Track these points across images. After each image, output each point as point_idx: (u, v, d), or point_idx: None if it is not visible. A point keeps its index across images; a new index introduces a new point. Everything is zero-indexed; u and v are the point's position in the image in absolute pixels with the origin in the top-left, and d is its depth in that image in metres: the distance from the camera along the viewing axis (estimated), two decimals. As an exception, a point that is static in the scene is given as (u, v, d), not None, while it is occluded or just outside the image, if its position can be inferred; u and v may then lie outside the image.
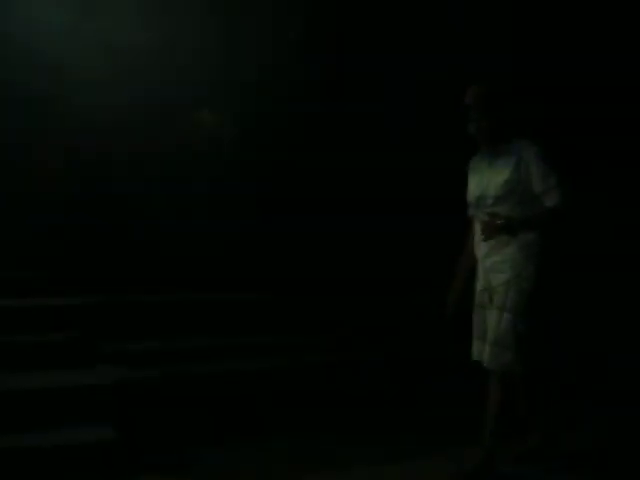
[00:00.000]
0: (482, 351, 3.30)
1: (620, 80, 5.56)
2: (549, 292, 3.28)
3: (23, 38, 4.88)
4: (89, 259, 4.84)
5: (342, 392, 4.27)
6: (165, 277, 4.82)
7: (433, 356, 4.63)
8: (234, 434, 3.73)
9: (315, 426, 3.92)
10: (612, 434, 3.85)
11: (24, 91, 4.88)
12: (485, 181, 3.34)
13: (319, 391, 4.23)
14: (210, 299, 4.78)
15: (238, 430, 3.79)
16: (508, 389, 3.27)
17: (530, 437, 3.49)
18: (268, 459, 3.51)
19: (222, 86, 5.45)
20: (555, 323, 3.52)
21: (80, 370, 3.85)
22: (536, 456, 3.46)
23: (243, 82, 5.45)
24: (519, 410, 3.44)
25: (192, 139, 5.46)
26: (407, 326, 4.85)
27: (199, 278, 4.88)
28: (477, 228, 3.39)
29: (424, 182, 5.41)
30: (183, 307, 4.64)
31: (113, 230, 4.98)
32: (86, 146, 5.02)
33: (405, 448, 3.66)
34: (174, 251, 4.95)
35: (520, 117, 3.40)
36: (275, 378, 4.20)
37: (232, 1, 5.46)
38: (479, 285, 3.39)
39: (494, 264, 3.29)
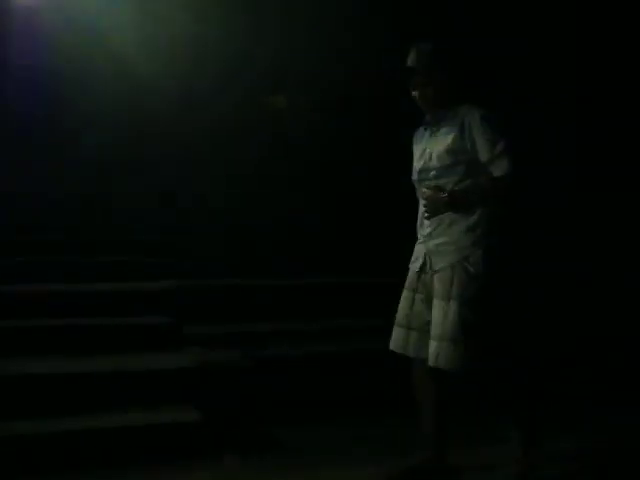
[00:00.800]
0: (407, 342, 3.00)
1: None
2: (505, 278, 2.91)
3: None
4: (177, 245, 5.00)
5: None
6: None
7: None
8: (315, 416, 3.80)
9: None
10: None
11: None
12: (428, 151, 3.00)
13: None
14: (293, 284, 4.89)
15: (320, 411, 3.84)
16: (445, 389, 2.99)
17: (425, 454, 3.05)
18: (349, 440, 3.57)
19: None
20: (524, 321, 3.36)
21: (168, 352, 3.99)
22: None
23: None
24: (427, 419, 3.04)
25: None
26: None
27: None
28: (420, 204, 3.08)
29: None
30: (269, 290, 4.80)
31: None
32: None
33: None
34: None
35: (468, 81, 3.10)
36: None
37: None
38: (414, 267, 3.04)
39: (438, 246, 2.93)
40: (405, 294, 3.08)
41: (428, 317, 2.96)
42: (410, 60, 3.01)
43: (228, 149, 5.17)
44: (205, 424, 3.45)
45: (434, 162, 2.96)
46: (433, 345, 2.87)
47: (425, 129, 3.08)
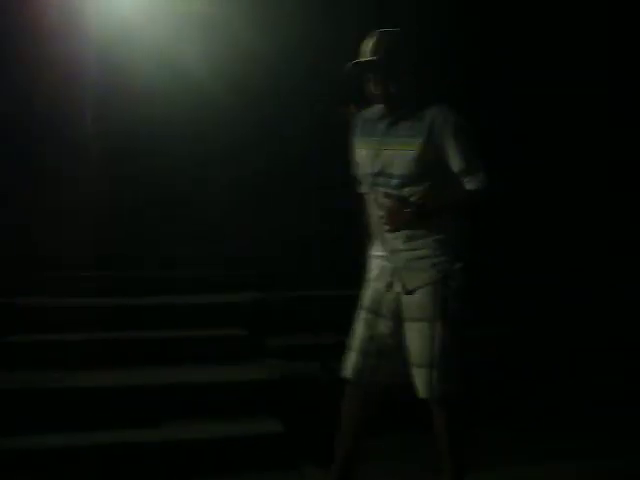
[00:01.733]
0: (363, 368, 2.71)
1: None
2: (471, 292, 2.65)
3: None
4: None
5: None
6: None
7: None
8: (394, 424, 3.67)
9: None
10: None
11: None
12: (387, 153, 2.62)
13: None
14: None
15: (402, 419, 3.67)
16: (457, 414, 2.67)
17: None
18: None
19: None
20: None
21: (247, 364, 4.00)
22: None
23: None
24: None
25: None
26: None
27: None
28: (374, 213, 2.72)
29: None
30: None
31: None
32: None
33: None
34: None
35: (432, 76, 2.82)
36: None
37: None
38: (377, 285, 2.72)
39: (410, 262, 2.62)
40: (364, 316, 2.75)
41: (389, 340, 2.71)
42: (370, 50, 2.62)
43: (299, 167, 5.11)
44: (286, 436, 3.43)
45: (397, 169, 2.60)
46: (422, 375, 2.60)
47: (377, 120, 2.71)
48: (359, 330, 2.76)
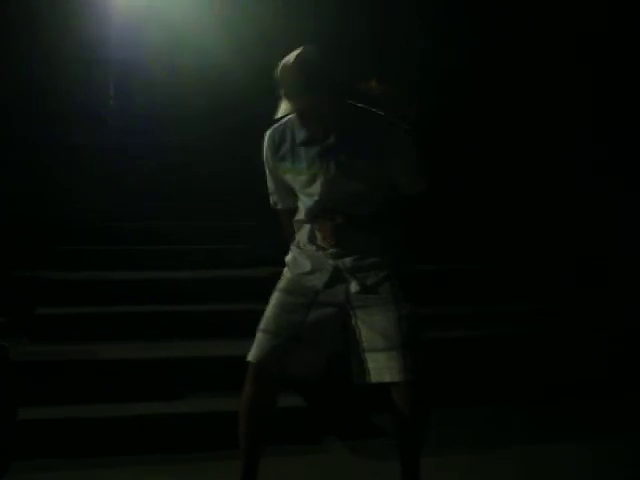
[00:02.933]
0: (280, 352, 2.50)
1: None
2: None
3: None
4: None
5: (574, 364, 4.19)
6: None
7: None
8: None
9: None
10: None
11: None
12: (324, 179, 2.46)
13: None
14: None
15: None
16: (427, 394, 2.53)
17: None
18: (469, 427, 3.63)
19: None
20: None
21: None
22: None
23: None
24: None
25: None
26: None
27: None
28: (304, 225, 2.58)
29: None
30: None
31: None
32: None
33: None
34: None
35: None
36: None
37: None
38: (314, 280, 2.54)
39: (358, 262, 2.52)
40: (294, 300, 2.57)
41: (326, 331, 2.56)
42: (292, 74, 2.36)
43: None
44: (308, 410, 3.51)
45: (339, 194, 2.47)
46: (395, 358, 2.47)
47: (306, 143, 2.49)
48: (276, 313, 2.58)
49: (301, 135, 2.50)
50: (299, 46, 2.39)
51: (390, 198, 2.54)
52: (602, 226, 5.03)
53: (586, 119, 5.35)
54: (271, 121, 2.51)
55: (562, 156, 5.34)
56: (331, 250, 2.54)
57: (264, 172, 2.64)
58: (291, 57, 2.39)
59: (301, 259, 2.60)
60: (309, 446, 3.39)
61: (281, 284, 2.63)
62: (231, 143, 5.09)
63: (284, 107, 2.42)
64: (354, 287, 2.52)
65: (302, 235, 2.61)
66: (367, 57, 4.84)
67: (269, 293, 2.64)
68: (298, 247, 2.63)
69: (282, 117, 2.44)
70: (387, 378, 2.48)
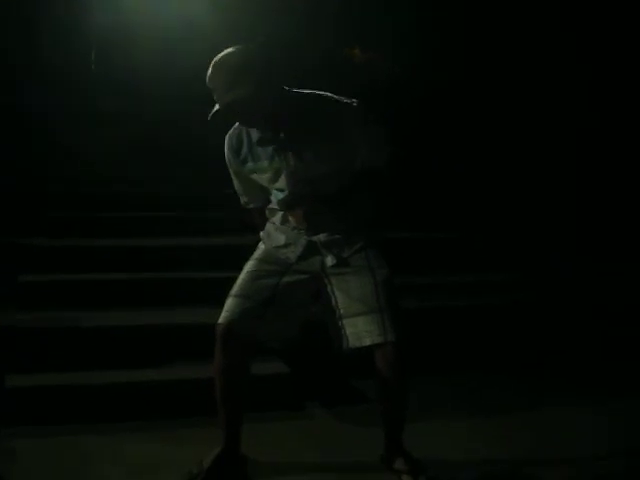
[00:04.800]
0: (252, 316, 2.57)
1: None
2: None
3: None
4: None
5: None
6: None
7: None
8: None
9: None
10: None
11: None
12: (288, 173, 2.52)
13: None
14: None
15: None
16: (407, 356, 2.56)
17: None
18: (449, 396, 3.64)
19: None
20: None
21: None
22: None
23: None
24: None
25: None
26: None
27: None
28: (275, 214, 2.66)
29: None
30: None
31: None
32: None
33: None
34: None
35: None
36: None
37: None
38: (287, 253, 2.62)
39: (329, 236, 2.58)
40: (268, 268, 2.64)
41: (298, 296, 2.65)
42: (216, 73, 2.38)
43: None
44: (291, 376, 3.55)
45: (305, 182, 2.53)
46: (373, 321, 2.53)
47: (261, 141, 2.54)
48: (248, 279, 2.65)
49: (254, 135, 2.55)
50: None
51: (357, 174, 2.58)
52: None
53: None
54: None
55: (541, 122, 5.34)
56: (301, 226, 2.61)
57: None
58: (215, 59, 2.42)
59: (276, 234, 2.68)
60: (292, 412, 3.43)
61: (255, 254, 2.72)
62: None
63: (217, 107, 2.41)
64: (330, 261, 2.60)
65: (276, 218, 2.68)
66: (350, 25, 4.82)
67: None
68: (273, 224, 2.70)
69: (217, 116, 2.42)
70: (367, 341, 2.54)
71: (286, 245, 2.65)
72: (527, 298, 4.48)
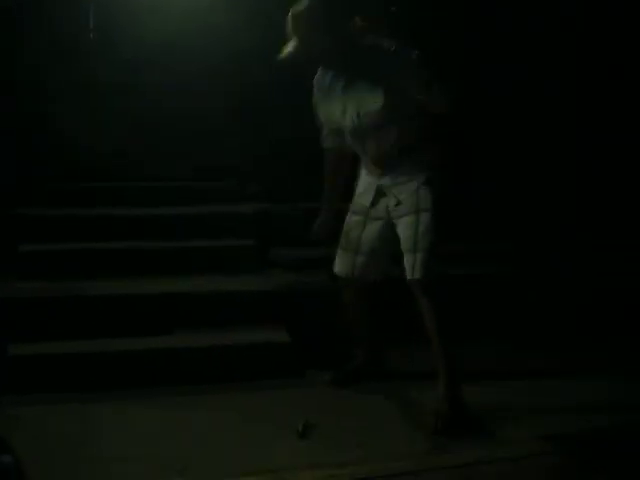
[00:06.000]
0: (353, 265, 3.16)
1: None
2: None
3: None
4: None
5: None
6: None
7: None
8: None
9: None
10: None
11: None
12: (352, 110, 2.91)
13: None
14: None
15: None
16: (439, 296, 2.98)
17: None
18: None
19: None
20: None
21: (253, 275, 4.12)
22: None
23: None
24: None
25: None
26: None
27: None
28: (354, 151, 3.09)
29: None
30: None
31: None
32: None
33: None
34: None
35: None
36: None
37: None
38: (364, 200, 3.12)
39: (394, 179, 3.01)
40: (356, 219, 3.16)
41: (377, 242, 3.13)
42: (298, 18, 2.81)
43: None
44: (292, 344, 3.58)
45: (369, 120, 2.89)
46: (408, 259, 2.97)
47: (333, 79, 2.97)
48: (350, 231, 3.18)
49: (328, 76, 2.97)
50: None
51: (417, 117, 2.92)
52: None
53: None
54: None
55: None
56: (376, 172, 3.04)
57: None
58: (297, 6, 2.81)
59: (360, 183, 3.18)
60: (292, 378, 3.47)
61: (352, 208, 3.21)
62: (217, 82, 5.03)
63: (292, 47, 2.82)
64: (391, 202, 3.03)
65: (362, 164, 3.15)
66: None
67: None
68: (359, 176, 3.19)
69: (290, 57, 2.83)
70: (407, 276, 2.99)
71: (363, 193, 3.14)
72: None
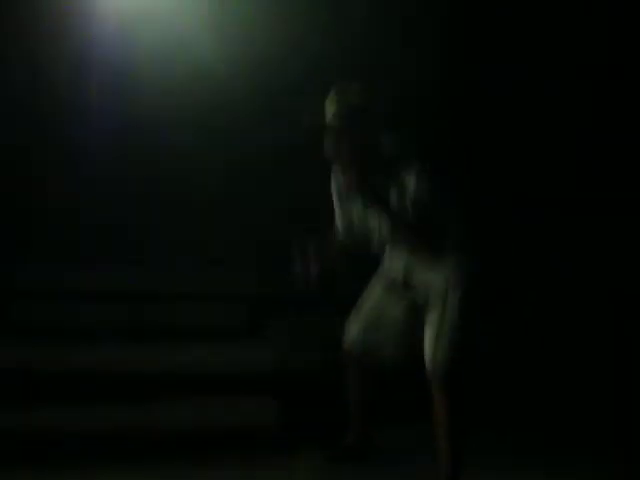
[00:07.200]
0: (368, 339, 2.98)
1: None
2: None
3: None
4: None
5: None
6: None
7: None
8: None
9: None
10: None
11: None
12: (372, 217, 2.84)
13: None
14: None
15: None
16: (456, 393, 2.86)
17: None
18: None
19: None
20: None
21: (246, 346, 4.01)
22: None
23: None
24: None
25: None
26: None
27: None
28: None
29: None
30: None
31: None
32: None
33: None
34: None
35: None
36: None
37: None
38: (392, 276, 2.96)
39: (425, 261, 2.86)
40: (380, 295, 3.00)
41: (399, 323, 2.96)
42: (334, 114, 2.69)
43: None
44: (284, 418, 3.51)
45: (384, 230, 2.83)
46: (429, 351, 2.84)
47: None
48: (371, 308, 3.01)
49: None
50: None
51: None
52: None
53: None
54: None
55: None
56: (403, 254, 2.88)
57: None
58: (334, 92, 2.70)
59: (387, 256, 2.98)
60: (284, 456, 3.35)
61: (373, 279, 3.03)
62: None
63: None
64: (419, 285, 2.87)
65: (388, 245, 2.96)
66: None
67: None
68: (386, 251, 3.00)
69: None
70: (427, 368, 2.85)
71: (391, 268, 2.96)
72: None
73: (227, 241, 4.68)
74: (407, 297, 2.94)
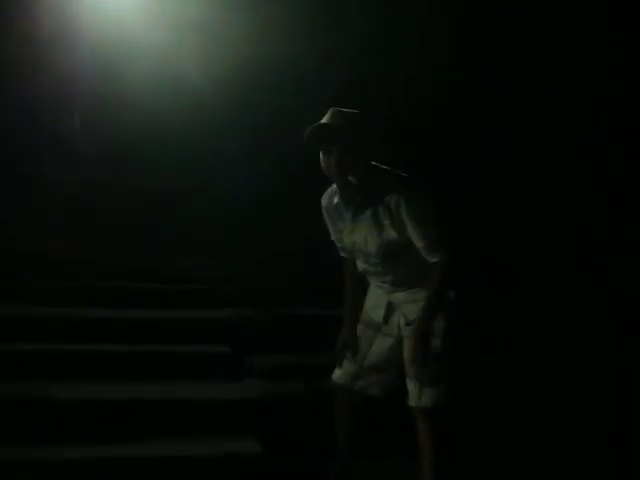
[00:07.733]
0: (356, 378, 2.97)
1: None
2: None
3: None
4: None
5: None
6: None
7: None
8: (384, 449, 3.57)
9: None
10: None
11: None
12: (359, 235, 2.80)
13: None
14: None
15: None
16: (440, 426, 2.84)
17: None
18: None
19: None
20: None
21: (228, 382, 3.95)
22: None
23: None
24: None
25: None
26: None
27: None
28: (361, 269, 2.95)
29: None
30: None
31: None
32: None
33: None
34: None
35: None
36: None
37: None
38: (377, 314, 2.96)
39: (407, 298, 2.87)
40: (366, 332, 3.00)
41: (386, 359, 2.96)
42: (333, 117, 2.69)
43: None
44: (265, 456, 3.39)
45: (372, 249, 2.79)
46: (412, 385, 2.83)
47: (345, 207, 2.82)
48: (358, 344, 3.01)
49: (337, 198, 2.84)
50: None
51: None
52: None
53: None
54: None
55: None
56: (386, 287, 2.90)
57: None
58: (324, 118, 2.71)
59: (370, 295, 3.04)
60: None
61: (362, 319, 3.04)
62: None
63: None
64: (402, 320, 2.89)
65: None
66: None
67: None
68: (370, 284, 3.05)
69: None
70: (410, 402, 2.85)
71: (374, 307, 2.99)
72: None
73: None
74: (391, 332, 2.94)
